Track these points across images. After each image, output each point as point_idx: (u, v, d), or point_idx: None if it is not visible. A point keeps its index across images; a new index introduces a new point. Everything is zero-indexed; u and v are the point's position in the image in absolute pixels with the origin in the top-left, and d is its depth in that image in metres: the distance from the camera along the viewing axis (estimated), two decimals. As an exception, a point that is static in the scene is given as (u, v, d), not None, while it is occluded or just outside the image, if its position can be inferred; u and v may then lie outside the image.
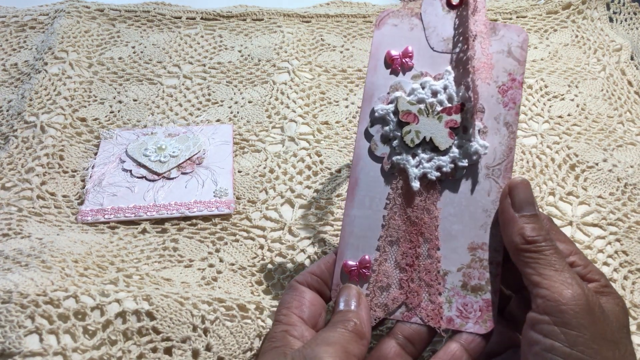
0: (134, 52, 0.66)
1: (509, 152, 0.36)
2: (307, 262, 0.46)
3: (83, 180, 0.52)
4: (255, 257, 0.46)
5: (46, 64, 0.62)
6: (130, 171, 0.52)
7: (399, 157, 0.36)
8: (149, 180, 0.51)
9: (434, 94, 0.36)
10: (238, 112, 0.59)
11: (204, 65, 0.65)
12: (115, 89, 0.62)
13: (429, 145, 0.36)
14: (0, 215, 0.47)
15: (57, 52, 0.63)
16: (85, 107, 0.59)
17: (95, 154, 0.54)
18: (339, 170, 0.53)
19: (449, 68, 0.36)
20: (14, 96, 0.60)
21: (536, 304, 0.31)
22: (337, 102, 0.61)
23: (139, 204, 0.49)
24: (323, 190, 0.51)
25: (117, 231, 0.47)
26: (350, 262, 0.36)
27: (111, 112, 0.59)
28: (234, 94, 0.62)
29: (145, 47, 0.67)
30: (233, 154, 0.54)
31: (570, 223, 0.49)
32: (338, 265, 0.36)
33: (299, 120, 0.58)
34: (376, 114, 0.36)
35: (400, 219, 0.36)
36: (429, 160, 0.36)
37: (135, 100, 0.60)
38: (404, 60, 0.37)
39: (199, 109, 0.60)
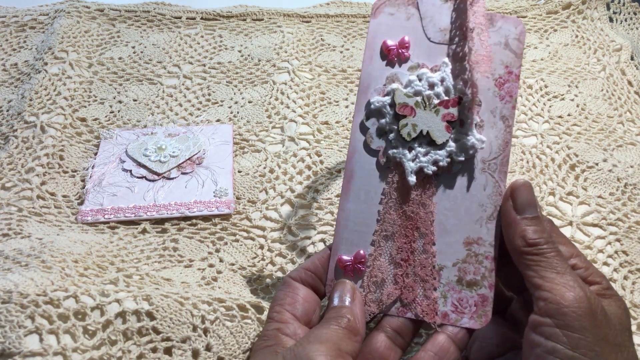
0: (134, 52, 0.66)
1: (505, 146, 0.35)
2: (307, 262, 0.46)
3: (83, 180, 0.52)
4: (255, 257, 0.46)
5: (46, 64, 0.62)
6: (130, 171, 0.52)
7: (395, 150, 0.35)
8: (149, 180, 0.51)
9: (431, 86, 0.36)
10: (238, 112, 0.59)
11: (204, 65, 0.65)
12: (115, 89, 0.62)
13: (426, 139, 0.35)
14: (0, 215, 0.47)
15: (57, 52, 0.63)
16: (85, 107, 0.59)
17: (95, 154, 0.54)
18: (339, 170, 0.53)
19: (447, 60, 0.36)
20: (14, 96, 0.60)
21: (538, 306, 0.31)
22: (337, 102, 0.61)
23: (139, 204, 0.49)
24: (323, 190, 0.51)
25: (117, 231, 0.47)
26: (345, 257, 0.35)
27: (111, 112, 0.59)
28: (234, 94, 0.62)
29: (145, 47, 0.67)
30: (233, 154, 0.54)
31: (570, 223, 0.49)
32: (332, 261, 0.36)
33: (299, 120, 0.58)
34: (372, 106, 0.36)
35: (395, 213, 0.35)
36: (426, 154, 0.35)
37: (135, 100, 0.60)
38: (400, 50, 0.36)
39: (199, 109, 0.60)
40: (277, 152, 0.55)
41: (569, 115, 0.59)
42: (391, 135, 0.36)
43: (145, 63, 0.65)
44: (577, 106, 0.60)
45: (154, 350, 0.35)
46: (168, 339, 0.36)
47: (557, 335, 0.29)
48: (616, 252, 0.47)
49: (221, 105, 0.60)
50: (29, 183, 0.50)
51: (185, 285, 0.42)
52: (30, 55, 0.65)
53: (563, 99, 0.61)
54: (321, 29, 0.70)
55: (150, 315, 0.36)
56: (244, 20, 0.71)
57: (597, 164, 0.54)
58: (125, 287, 0.38)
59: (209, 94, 0.61)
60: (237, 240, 0.47)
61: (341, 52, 0.67)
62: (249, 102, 0.61)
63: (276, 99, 0.60)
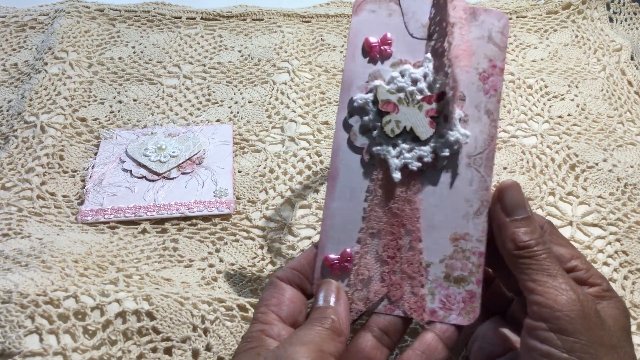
0: (134, 52, 0.66)
1: (491, 140, 0.35)
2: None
3: (83, 180, 0.52)
4: (255, 257, 0.46)
5: (46, 64, 0.62)
6: (130, 171, 0.52)
7: (379, 147, 0.35)
8: (149, 180, 0.51)
9: (414, 82, 0.35)
10: (238, 112, 0.59)
11: (204, 65, 0.65)
12: (115, 89, 0.62)
13: (410, 135, 0.35)
14: (0, 215, 0.47)
15: (57, 52, 0.63)
16: (85, 107, 0.59)
17: (95, 154, 0.54)
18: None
19: (429, 55, 0.35)
20: (14, 96, 0.60)
21: (532, 310, 0.31)
22: (337, 102, 0.61)
23: (139, 204, 0.49)
24: (323, 190, 0.51)
25: (117, 231, 0.47)
26: (332, 256, 0.35)
27: (111, 112, 0.59)
28: (234, 94, 0.62)
29: (145, 47, 0.67)
30: (233, 154, 0.54)
31: (570, 223, 0.49)
32: (319, 259, 0.35)
33: (299, 120, 0.58)
34: (355, 104, 0.35)
35: (381, 210, 0.35)
36: (410, 150, 0.35)
37: (135, 100, 0.60)
38: (382, 47, 0.35)
39: (199, 109, 0.60)
40: (277, 152, 0.55)
41: (569, 115, 0.59)
42: (375, 133, 0.35)
43: (145, 63, 0.65)
44: (577, 106, 0.60)
45: (154, 350, 0.35)
46: (168, 339, 0.36)
47: (551, 339, 0.29)
48: (616, 252, 0.47)
49: (221, 105, 0.60)
50: (29, 183, 0.50)
51: (185, 285, 0.42)
52: (30, 55, 0.65)
53: (563, 99, 0.61)
54: (321, 29, 0.70)
55: (150, 315, 0.36)
56: (244, 20, 0.71)
57: (597, 164, 0.54)
58: (125, 287, 0.38)
59: (209, 94, 0.61)
60: (237, 240, 0.47)
61: (341, 52, 0.67)
62: (249, 102, 0.61)
63: (276, 99, 0.60)
